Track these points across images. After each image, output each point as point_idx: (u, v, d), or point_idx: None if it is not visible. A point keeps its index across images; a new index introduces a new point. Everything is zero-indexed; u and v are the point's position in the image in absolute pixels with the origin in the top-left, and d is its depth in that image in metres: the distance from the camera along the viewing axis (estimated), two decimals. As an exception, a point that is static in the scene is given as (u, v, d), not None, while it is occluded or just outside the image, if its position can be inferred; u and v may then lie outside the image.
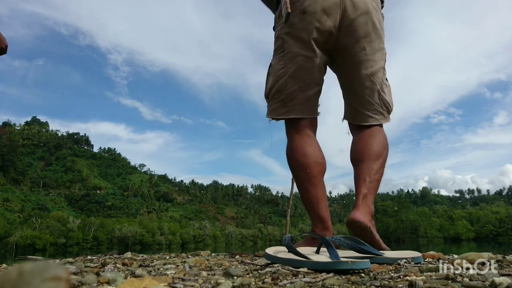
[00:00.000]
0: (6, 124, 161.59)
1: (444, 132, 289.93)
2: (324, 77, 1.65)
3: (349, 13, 1.48)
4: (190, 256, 1.58)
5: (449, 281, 0.83)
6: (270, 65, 1.61)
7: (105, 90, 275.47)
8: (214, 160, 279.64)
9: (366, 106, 1.60)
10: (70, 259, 1.61)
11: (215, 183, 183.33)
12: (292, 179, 2.01)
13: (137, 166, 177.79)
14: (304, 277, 0.91)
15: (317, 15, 1.47)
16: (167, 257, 1.61)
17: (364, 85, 1.58)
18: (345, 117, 1.72)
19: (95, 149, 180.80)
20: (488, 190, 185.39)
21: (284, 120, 1.60)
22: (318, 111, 1.64)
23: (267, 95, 1.60)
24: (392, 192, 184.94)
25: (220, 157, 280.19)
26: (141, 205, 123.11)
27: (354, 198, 1.49)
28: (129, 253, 1.82)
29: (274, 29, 1.67)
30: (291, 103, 1.53)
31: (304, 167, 1.47)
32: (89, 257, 1.70)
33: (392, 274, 0.95)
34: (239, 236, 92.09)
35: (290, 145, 1.54)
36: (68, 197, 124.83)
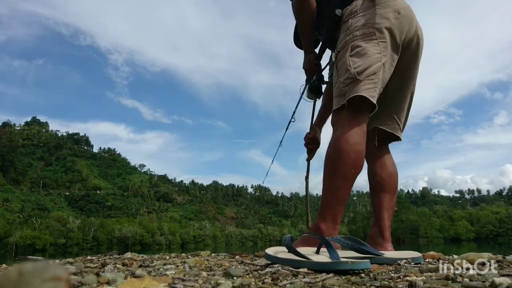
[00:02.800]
0: (6, 124, 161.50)
1: (444, 132, 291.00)
2: None
3: (419, 33, 1.64)
4: (190, 257, 1.59)
5: (449, 282, 0.83)
6: (357, 46, 1.49)
7: (105, 90, 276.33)
8: (214, 160, 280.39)
9: (400, 118, 1.74)
10: (70, 260, 1.62)
11: (215, 183, 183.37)
12: (306, 178, 1.95)
13: (137, 166, 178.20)
14: (304, 277, 0.91)
15: (408, 20, 1.56)
16: (167, 258, 1.61)
17: (406, 99, 1.73)
18: (376, 124, 1.71)
19: (95, 149, 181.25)
20: (488, 190, 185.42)
21: (340, 108, 1.47)
22: None
23: (361, 73, 1.43)
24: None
25: (220, 157, 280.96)
26: (141, 205, 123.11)
27: (372, 216, 1.72)
28: (129, 253, 1.82)
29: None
30: (378, 90, 1.46)
31: (352, 165, 1.39)
32: (89, 257, 1.70)
33: (392, 275, 0.95)
34: (239, 236, 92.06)
35: (347, 137, 1.41)
36: (68, 197, 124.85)
